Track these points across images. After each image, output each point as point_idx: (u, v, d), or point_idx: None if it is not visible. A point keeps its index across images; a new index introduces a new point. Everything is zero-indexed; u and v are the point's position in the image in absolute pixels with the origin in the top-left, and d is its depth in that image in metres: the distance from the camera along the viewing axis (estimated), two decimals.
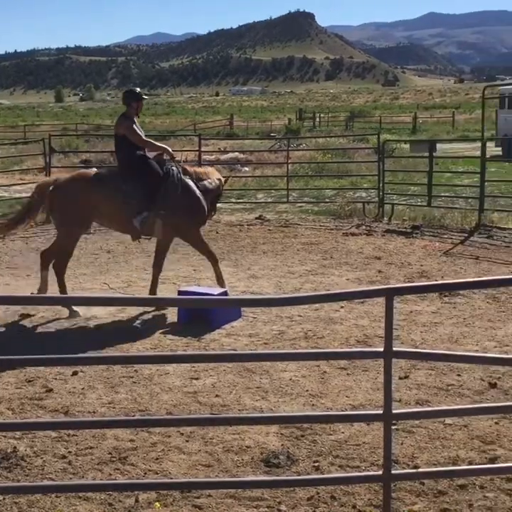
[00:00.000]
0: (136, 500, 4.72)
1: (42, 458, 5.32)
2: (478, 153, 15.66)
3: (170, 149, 10.01)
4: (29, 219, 9.86)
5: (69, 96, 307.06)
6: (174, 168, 9.72)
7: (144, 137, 9.78)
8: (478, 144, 16.14)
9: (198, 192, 9.71)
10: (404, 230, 14.36)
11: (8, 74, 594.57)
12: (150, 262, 11.85)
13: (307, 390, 6.48)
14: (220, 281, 9.72)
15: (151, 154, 9.80)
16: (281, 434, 5.63)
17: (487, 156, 15.70)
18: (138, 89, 10.05)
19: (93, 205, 9.31)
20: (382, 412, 3.89)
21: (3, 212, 16.54)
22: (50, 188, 9.42)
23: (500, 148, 30.72)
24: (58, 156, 26.47)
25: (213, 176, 10.23)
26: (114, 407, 6.20)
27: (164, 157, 9.83)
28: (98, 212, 9.43)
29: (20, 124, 63.03)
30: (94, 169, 10.44)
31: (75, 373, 6.94)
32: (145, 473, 5.10)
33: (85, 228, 9.86)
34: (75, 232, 9.62)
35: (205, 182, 9.98)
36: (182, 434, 5.65)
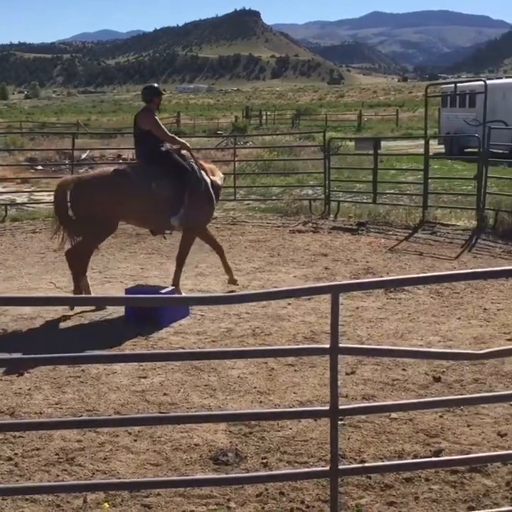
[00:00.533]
0: (85, 501, 4.69)
1: None
2: (421, 150, 15.87)
3: (188, 145, 9.92)
4: (62, 222, 9.38)
5: (13, 93, 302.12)
6: (194, 164, 9.70)
7: (167, 132, 9.79)
8: (422, 142, 16.36)
9: (212, 188, 9.80)
10: (350, 226, 14.49)
11: None
12: (96, 260, 11.79)
13: (255, 387, 6.50)
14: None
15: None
16: (230, 431, 5.65)
17: (430, 154, 15.93)
18: (156, 85, 10.14)
19: (121, 204, 9.09)
20: (328, 407, 3.93)
21: None
22: (72, 186, 9.15)
23: (443, 146, 31.20)
24: (3, 154, 26.13)
25: (219, 173, 10.33)
26: (61, 408, 6.14)
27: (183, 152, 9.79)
28: (126, 211, 9.23)
29: None
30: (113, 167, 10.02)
31: (20, 374, 6.85)
32: (93, 474, 5.07)
33: (112, 228, 9.55)
34: (101, 232, 9.43)
35: (217, 178, 10.07)
36: (130, 433, 5.63)
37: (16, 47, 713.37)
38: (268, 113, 64.58)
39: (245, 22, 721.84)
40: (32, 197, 19.32)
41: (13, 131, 43.45)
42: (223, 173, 12.76)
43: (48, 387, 6.58)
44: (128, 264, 11.64)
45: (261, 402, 6.20)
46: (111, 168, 9.71)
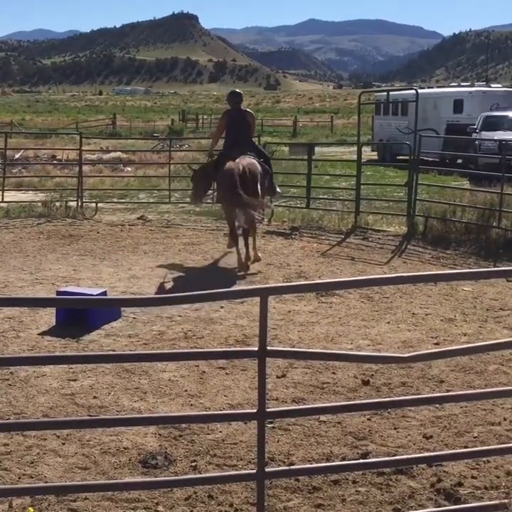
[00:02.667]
0: (10, 506, 4.62)
1: None
2: (355, 157, 16.07)
3: None
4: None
5: None
6: None
7: None
8: (355, 148, 16.57)
9: None
10: (283, 231, 14.58)
11: None
12: (29, 262, 11.66)
13: (186, 390, 6.50)
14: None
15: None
16: (160, 434, 5.64)
17: (363, 160, 16.15)
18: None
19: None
20: (256, 410, 3.95)
21: None
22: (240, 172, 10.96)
23: (376, 153, 31.68)
24: None
25: None
26: None
27: None
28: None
29: None
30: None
31: None
32: (19, 478, 5.00)
33: None
34: None
35: None
36: (58, 436, 5.57)
37: None
38: (205, 117, 64.52)
39: (183, 25, 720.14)
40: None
41: None
42: (159, 176, 13.53)
43: None
44: (60, 265, 11.50)
45: (192, 405, 6.20)
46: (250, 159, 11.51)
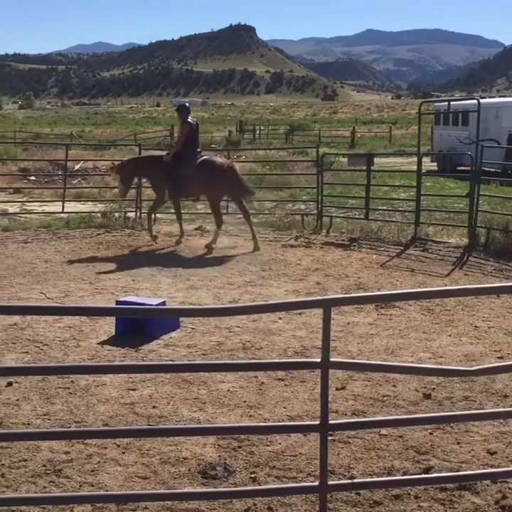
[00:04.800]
0: None
1: None
2: (414, 167, 15.91)
3: None
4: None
5: (8, 104, 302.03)
6: None
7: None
8: (415, 159, 16.41)
9: None
10: (342, 242, 14.50)
11: None
12: (88, 271, 11.80)
13: (245, 401, 6.48)
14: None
15: None
16: (219, 445, 5.62)
17: (423, 171, 15.98)
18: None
19: None
20: (318, 422, 3.91)
21: None
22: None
23: (435, 164, 31.34)
24: None
25: None
26: (49, 419, 6.10)
27: None
28: None
29: None
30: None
31: (9, 384, 6.81)
32: (80, 486, 5.04)
33: None
34: None
35: None
36: (118, 445, 5.59)
37: (12, 57, 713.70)
38: (262, 128, 64.70)
39: (240, 37, 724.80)
40: (24, 207, 19.31)
41: (6, 141, 43.41)
42: None
43: (36, 398, 6.54)
44: (119, 275, 11.61)
45: (250, 416, 6.18)
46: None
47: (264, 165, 26.38)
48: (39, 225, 16.34)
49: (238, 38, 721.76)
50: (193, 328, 8.66)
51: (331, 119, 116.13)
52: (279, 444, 5.62)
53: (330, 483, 4.11)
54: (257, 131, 60.60)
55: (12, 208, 18.72)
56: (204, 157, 14.25)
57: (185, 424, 5.93)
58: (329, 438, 4.86)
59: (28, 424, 6.00)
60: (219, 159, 14.65)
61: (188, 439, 5.65)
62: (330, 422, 3.95)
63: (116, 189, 21.27)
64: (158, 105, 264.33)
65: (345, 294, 10.12)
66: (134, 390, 6.76)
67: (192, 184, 14.04)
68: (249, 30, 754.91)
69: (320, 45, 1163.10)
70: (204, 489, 4.96)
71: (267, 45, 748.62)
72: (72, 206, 17.90)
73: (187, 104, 15.00)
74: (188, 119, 14.26)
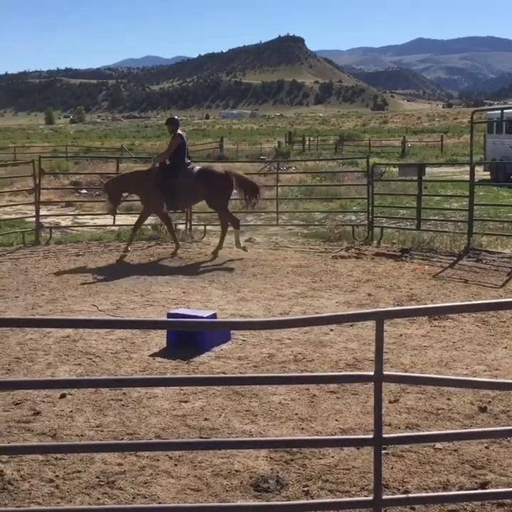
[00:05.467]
0: None
1: (29, 482, 5.26)
2: (466, 177, 15.74)
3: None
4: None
5: (59, 118, 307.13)
6: None
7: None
8: (467, 168, 16.22)
9: None
10: (393, 253, 14.38)
11: None
12: (139, 284, 11.88)
13: (297, 414, 6.44)
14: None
15: None
16: (271, 458, 5.59)
17: (476, 180, 15.77)
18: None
19: None
20: (372, 436, 3.86)
21: None
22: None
23: (488, 173, 30.94)
24: (48, 178, 26.48)
25: None
26: (102, 431, 6.14)
27: None
28: None
29: (11, 145, 62.91)
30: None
31: (63, 396, 6.88)
32: (133, 498, 5.05)
33: None
34: None
35: None
36: (170, 457, 5.60)
37: (63, 72, 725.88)
38: (311, 138, 64.68)
39: (289, 48, 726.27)
40: (76, 220, 19.57)
41: (58, 155, 44.08)
42: (266, 199, 14.90)
43: (89, 410, 6.59)
44: (170, 287, 11.67)
45: (303, 429, 6.14)
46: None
47: (314, 176, 26.35)
48: (91, 238, 16.53)
49: (287, 49, 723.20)
50: (244, 340, 8.65)
51: (381, 128, 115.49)
52: (332, 457, 5.57)
53: (384, 497, 4.05)
54: (307, 142, 60.58)
55: (64, 221, 18.98)
56: (202, 166, 14.90)
57: (237, 437, 5.91)
58: (383, 452, 4.81)
59: (82, 435, 6.05)
60: (217, 168, 15.27)
61: (240, 452, 5.64)
62: (384, 435, 3.90)
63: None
64: (207, 117, 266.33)
65: (398, 305, 10.03)
66: (185, 402, 6.77)
67: (191, 193, 14.44)
68: (298, 41, 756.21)
69: (369, 54, 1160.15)
70: (257, 502, 4.93)
71: (315, 56, 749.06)
72: (122, 219, 18.06)
73: (176, 117, 15.61)
74: (179, 131, 14.71)
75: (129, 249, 14.62)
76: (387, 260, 13.71)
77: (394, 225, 17.11)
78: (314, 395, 6.82)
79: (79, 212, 20.67)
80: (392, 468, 5.36)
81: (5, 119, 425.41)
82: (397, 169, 28.02)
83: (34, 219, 16.64)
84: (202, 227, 17.21)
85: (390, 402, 6.57)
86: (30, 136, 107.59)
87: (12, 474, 5.34)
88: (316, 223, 18.17)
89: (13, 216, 19.64)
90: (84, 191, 25.84)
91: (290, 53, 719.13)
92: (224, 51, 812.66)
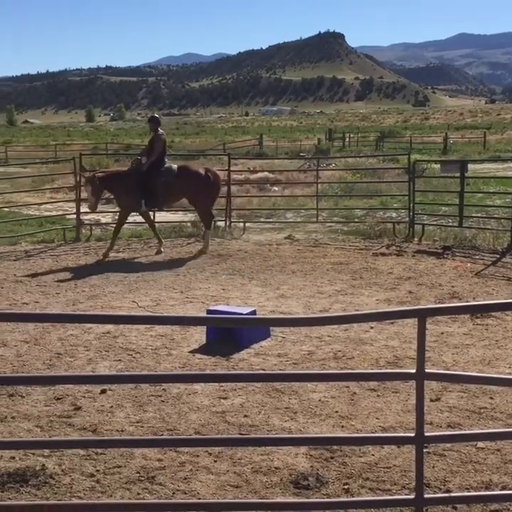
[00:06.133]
0: None
1: (70, 476, 5.31)
2: (510, 173, 15.56)
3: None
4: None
5: (99, 116, 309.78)
6: None
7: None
8: (510, 165, 16.01)
9: None
10: (434, 250, 14.24)
11: (40, 94, 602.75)
12: (179, 281, 11.92)
13: (337, 411, 6.41)
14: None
15: None
16: (311, 455, 5.57)
17: None
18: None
19: None
20: (414, 434, 3.82)
21: (34, 230, 16.71)
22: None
23: None
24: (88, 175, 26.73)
25: None
26: (142, 426, 6.17)
27: None
28: None
29: (52, 143, 63.72)
30: None
31: (103, 391, 6.93)
32: (173, 493, 5.06)
33: None
34: None
35: None
36: (210, 454, 5.61)
37: (103, 70, 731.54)
38: (351, 135, 64.38)
39: (329, 44, 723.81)
40: (116, 217, 19.66)
41: (99, 152, 44.42)
42: (306, 195, 14.40)
43: (129, 406, 6.63)
44: (209, 284, 11.69)
45: (343, 426, 6.10)
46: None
47: (354, 173, 26.21)
48: (131, 235, 16.63)
49: (327, 46, 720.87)
50: (283, 338, 8.63)
51: (422, 125, 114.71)
52: (372, 455, 5.53)
53: (426, 496, 4.01)
54: (347, 139, 60.30)
55: (104, 218, 19.11)
56: (180, 165, 15.00)
57: (276, 434, 5.90)
58: (424, 450, 4.75)
59: (122, 431, 6.08)
60: (196, 166, 15.66)
61: (279, 449, 5.62)
62: (426, 434, 3.85)
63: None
64: (246, 114, 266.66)
65: (439, 303, 9.93)
66: (225, 398, 6.77)
67: (172, 192, 14.46)
68: (338, 37, 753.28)
69: (410, 50, 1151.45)
70: (297, 499, 4.91)
71: (356, 52, 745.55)
72: (162, 216, 18.15)
73: (157, 116, 15.67)
74: (160, 131, 14.68)
75: (109, 254, 14.22)
76: (428, 258, 13.58)
77: (435, 223, 16.95)
78: (354, 393, 6.78)
79: (119, 209, 20.77)
80: (433, 467, 5.31)
81: (46, 117, 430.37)
82: (439, 166, 27.75)
83: (75, 216, 16.79)
84: (241, 224, 17.21)
85: (432, 400, 6.50)
86: (71, 133, 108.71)
87: (53, 468, 5.39)
88: (356, 220, 18.08)
89: (54, 213, 19.86)
90: None
91: (330, 50, 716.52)
92: (264, 48, 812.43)
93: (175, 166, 14.60)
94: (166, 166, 14.44)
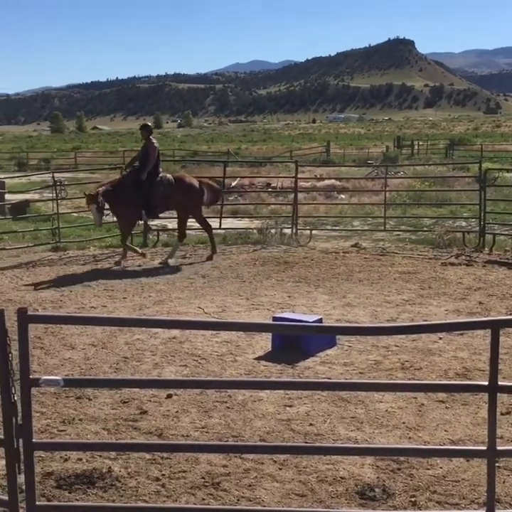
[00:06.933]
0: None
1: (136, 479, 5.34)
2: None
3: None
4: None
5: (167, 122, 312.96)
6: None
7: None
8: None
9: None
10: (506, 260, 13.95)
11: (110, 101, 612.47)
12: (245, 287, 11.94)
13: (404, 422, 6.31)
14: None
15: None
16: (377, 466, 5.49)
17: None
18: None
19: None
20: (485, 448, 3.73)
21: (102, 235, 16.94)
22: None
23: None
24: None
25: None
26: (207, 432, 6.18)
27: None
28: None
29: (120, 149, 64.58)
30: None
31: (169, 396, 6.96)
32: (238, 500, 5.05)
33: None
34: None
35: None
36: (275, 461, 5.58)
37: (171, 77, 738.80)
38: (420, 143, 63.68)
39: (399, 51, 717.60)
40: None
41: (166, 158, 44.80)
42: (374, 203, 13.88)
43: (195, 411, 6.65)
44: (275, 291, 11.67)
45: (410, 438, 6.01)
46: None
47: (423, 181, 25.90)
48: (197, 241, 16.73)
49: (396, 52, 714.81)
50: (349, 346, 8.56)
51: (493, 133, 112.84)
52: (440, 468, 5.43)
53: (497, 511, 3.90)
54: (416, 147, 59.67)
55: (171, 224, 19.26)
56: (176, 175, 15.13)
57: (342, 443, 5.84)
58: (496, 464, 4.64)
59: (187, 436, 6.10)
60: (191, 177, 15.31)
61: (345, 459, 5.56)
62: (499, 447, 3.75)
63: (271, 205, 21.56)
64: (313, 121, 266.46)
65: (511, 314, 9.72)
66: (290, 406, 6.74)
67: (167, 202, 14.42)
68: (408, 44, 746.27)
69: (483, 56, 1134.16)
70: (362, 510, 4.85)
71: (426, 59, 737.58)
72: (228, 222, 18.25)
73: (149, 124, 15.57)
74: (153, 138, 14.61)
75: (122, 262, 14.18)
76: (499, 268, 13.32)
77: (507, 232, 16.63)
78: (422, 404, 6.67)
79: None
80: (504, 482, 5.18)
81: (115, 123, 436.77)
82: (511, 175, 27.24)
83: (142, 222, 16.96)
84: (307, 232, 17.16)
85: (502, 413, 6.34)
86: (139, 140, 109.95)
87: (120, 471, 5.44)
88: (425, 229, 17.86)
89: None
90: None
91: (400, 56, 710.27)
92: (331, 55, 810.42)
93: (170, 176, 14.63)
94: (161, 175, 14.41)
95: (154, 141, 14.45)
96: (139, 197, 14.09)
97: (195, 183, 14.72)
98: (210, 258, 14.65)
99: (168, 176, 14.63)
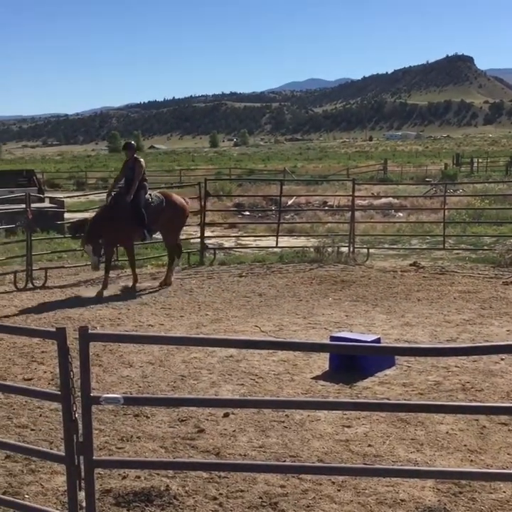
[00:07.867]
0: None
1: (194, 498, 5.33)
2: None
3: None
4: None
5: (223, 141, 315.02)
6: None
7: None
8: None
9: None
10: None
11: (166, 120, 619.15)
12: (302, 306, 11.90)
13: (465, 445, 6.19)
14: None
15: None
16: (438, 489, 5.39)
17: None
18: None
19: None
20: None
21: (159, 254, 17.05)
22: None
23: None
24: (212, 200, 27.20)
25: None
26: (264, 452, 6.15)
27: None
28: None
29: (176, 168, 65.23)
30: None
31: (226, 415, 6.95)
32: None
33: None
34: None
35: None
36: (333, 482, 5.52)
37: (228, 96, 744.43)
38: (480, 160, 62.86)
39: (457, 68, 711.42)
40: (239, 241, 19.88)
41: (222, 177, 45.17)
42: (432, 222, 13.35)
43: (252, 430, 6.62)
44: (332, 310, 11.60)
45: (471, 461, 5.89)
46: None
47: (483, 199, 25.54)
48: (253, 259, 16.75)
49: (455, 69, 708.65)
50: (408, 367, 8.45)
51: None
52: (504, 492, 5.31)
53: None
54: (475, 164, 58.92)
55: (227, 243, 19.37)
56: (166, 193, 14.58)
57: (402, 465, 5.74)
58: None
59: (244, 455, 6.08)
60: (176, 195, 14.80)
61: (405, 481, 5.47)
62: None
63: (328, 224, 21.48)
64: (370, 139, 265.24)
65: None
66: (348, 427, 6.67)
67: (157, 220, 13.85)
68: (467, 60, 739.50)
69: None
70: None
71: (485, 75, 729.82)
72: (285, 241, 18.23)
73: (132, 142, 14.97)
74: (139, 156, 14.09)
75: (136, 286, 13.72)
76: None
77: None
78: (484, 427, 6.54)
79: (242, 234, 21.02)
80: None
81: (171, 142, 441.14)
82: None
83: (199, 240, 17.07)
84: (365, 250, 17.05)
85: None
86: (195, 159, 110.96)
87: (177, 489, 5.43)
88: (486, 248, 17.58)
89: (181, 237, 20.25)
90: (246, 213, 26.34)
91: (458, 73, 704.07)
92: (389, 72, 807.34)
93: (159, 194, 14.20)
94: (150, 193, 13.91)
95: (141, 160, 13.88)
96: (131, 219, 13.39)
97: (183, 201, 14.47)
98: (165, 284, 13.98)
99: (157, 193, 14.27)
